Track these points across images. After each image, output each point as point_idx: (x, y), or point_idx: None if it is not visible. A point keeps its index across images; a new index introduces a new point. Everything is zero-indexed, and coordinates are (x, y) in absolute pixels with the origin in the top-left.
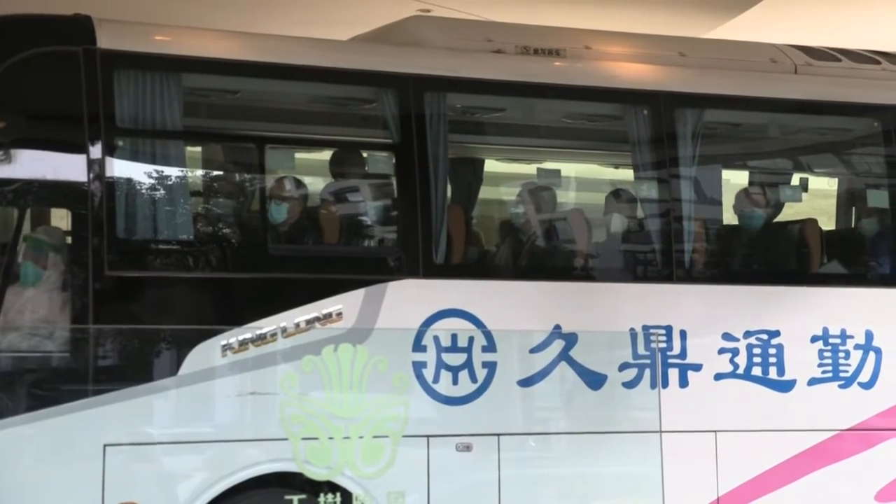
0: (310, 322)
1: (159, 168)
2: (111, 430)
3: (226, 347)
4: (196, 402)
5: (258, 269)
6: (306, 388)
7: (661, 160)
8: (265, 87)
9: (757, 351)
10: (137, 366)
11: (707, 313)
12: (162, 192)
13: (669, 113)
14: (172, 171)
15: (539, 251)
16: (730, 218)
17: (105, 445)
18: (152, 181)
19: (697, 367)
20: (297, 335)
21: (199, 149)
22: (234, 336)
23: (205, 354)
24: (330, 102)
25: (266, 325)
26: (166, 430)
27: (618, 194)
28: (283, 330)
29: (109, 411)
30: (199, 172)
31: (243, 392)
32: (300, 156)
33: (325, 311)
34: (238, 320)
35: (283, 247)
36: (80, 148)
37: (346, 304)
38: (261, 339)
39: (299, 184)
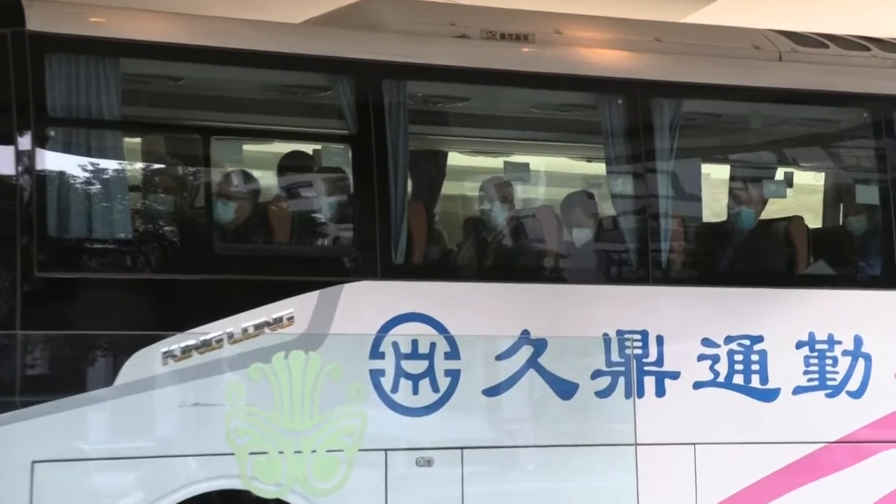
0: (259, 327)
1: (95, 161)
2: (40, 445)
3: (167, 355)
4: (134, 415)
5: (203, 269)
6: (254, 398)
7: (636, 153)
8: (211, 73)
9: (739, 358)
10: (70, 375)
11: (685, 317)
12: (98, 186)
13: (645, 103)
14: (109, 165)
15: (506, 251)
16: (710, 215)
17: (33, 462)
18: (87, 175)
19: (675, 375)
20: (244, 341)
21: (138, 140)
22: (176, 342)
23: (144, 362)
24: (281, 91)
25: (211, 330)
26: (101, 445)
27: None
28: (230, 336)
29: (38, 425)
30: (139, 166)
31: (186, 403)
32: (249, 148)
33: (275, 316)
34: (181, 325)
35: (230, 246)
36: (7, 138)
37: (298, 308)
38: (205, 346)
39: (248, 178)
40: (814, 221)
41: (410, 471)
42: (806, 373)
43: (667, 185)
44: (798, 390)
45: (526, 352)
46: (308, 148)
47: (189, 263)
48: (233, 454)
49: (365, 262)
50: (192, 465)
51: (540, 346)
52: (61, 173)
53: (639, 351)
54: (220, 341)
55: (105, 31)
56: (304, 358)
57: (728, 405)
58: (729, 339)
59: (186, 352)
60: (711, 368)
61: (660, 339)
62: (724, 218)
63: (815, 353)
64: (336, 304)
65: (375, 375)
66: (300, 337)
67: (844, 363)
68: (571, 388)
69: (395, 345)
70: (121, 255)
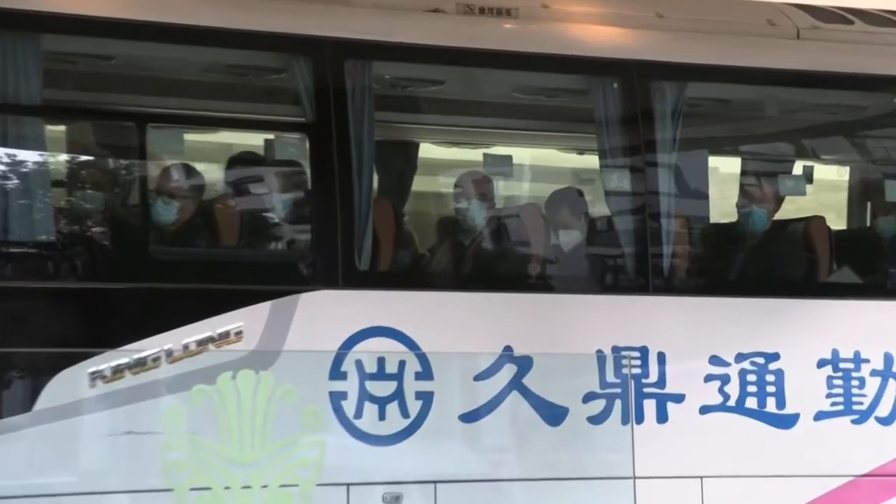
0: (202, 343)
1: (12, 152)
2: None
3: (95, 375)
4: (56, 445)
5: (138, 277)
6: (196, 425)
7: (634, 144)
8: (147, 52)
9: (752, 378)
10: None
11: (691, 332)
12: (15, 181)
13: (644, 87)
14: (29, 156)
15: (485, 256)
16: (718, 215)
17: None
18: (2, 168)
19: (679, 399)
20: (185, 360)
21: (62, 128)
22: (105, 361)
23: (68, 384)
24: (228, 72)
25: (147, 347)
26: (17, 480)
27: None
28: (169, 353)
29: None
30: (63, 158)
31: (116, 431)
32: (191, 138)
33: (220, 330)
34: (112, 341)
35: (170, 250)
36: None
37: (248, 321)
38: (140, 365)
39: (190, 172)
40: (837, 222)
41: None
42: (829, 396)
43: (669, 180)
44: (820, 416)
45: (508, 371)
46: (259, 138)
47: (122, 270)
48: (171, 490)
49: (324, 268)
50: (124, 503)
51: (524, 364)
52: None
53: (637, 370)
54: (157, 360)
55: (23, 3)
56: (255, 379)
57: (740, 433)
58: (740, 357)
59: (118, 372)
60: (720, 391)
61: (661, 357)
62: (734, 218)
63: (840, 374)
64: (291, 316)
65: (336, 398)
66: (250, 354)
67: (873, 385)
68: (561, 413)
69: (359, 363)
70: (42, 260)
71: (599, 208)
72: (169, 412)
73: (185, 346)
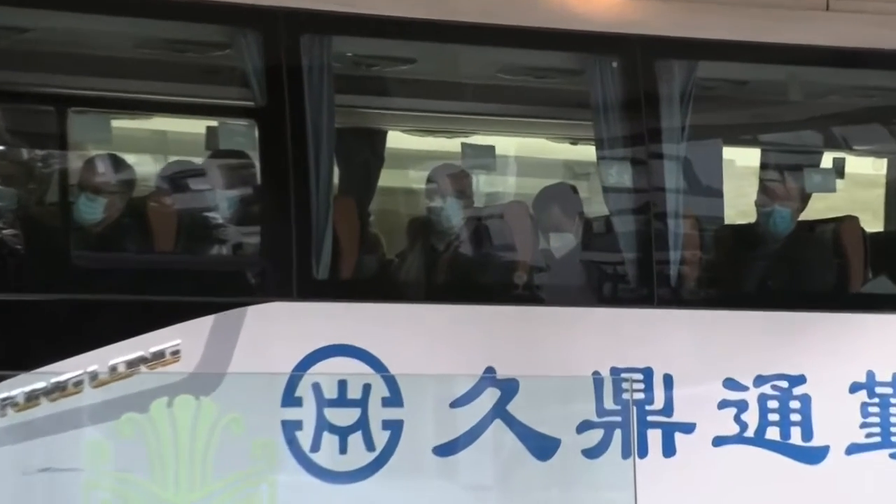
0: (132, 364)
1: None
2: None
3: (6, 402)
4: None
5: (57, 287)
6: (126, 460)
7: (637, 133)
8: (68, 24)
9: (773, 405)
10: None
11: (702, 351)
12: None
13: (648, 66)
14: None
15: (464, 262)
16: (734, 215)
17: None
18: None
19: (689, 429)
20: (112, 384)
21: None
22: (18, 386)
23: None
24: (164, 48)
25: (67, 369)
26: None
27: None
28: (93, 376)
29: None
30: None
31: (31, 468)
32: (120, 124)
33: (154, 349)
34: (25, 362)
35: (95, 256)
36: None
37: (187, 339)
38: (59, 390)
39: (119, 165)
40: (872, 223)
41: None
42: (864, 426)
43: (677, 175)
44: (853, 449)
45: (490, 396)
46: (200, 125)
47: (38, 279)
48: None
49: (276, 276)
50: None
51: (509, 388)
52: None
53: (640, 395)
54: (79, 384)
55: None
56: (195, 406)
57: (759, 468)
58: (760, 381)
59: (32, 398)
60: (737, 419)
61: (668, 380)
62: (752, 219)
63: (876, 400)
64: (237, 333)
65: (290, 429)
66: (189, 377)
67: None
68: (551, 445)
69: (317, 387)
70: None
71: (596, 207)
72: (93, 445)
73: (113, 368)
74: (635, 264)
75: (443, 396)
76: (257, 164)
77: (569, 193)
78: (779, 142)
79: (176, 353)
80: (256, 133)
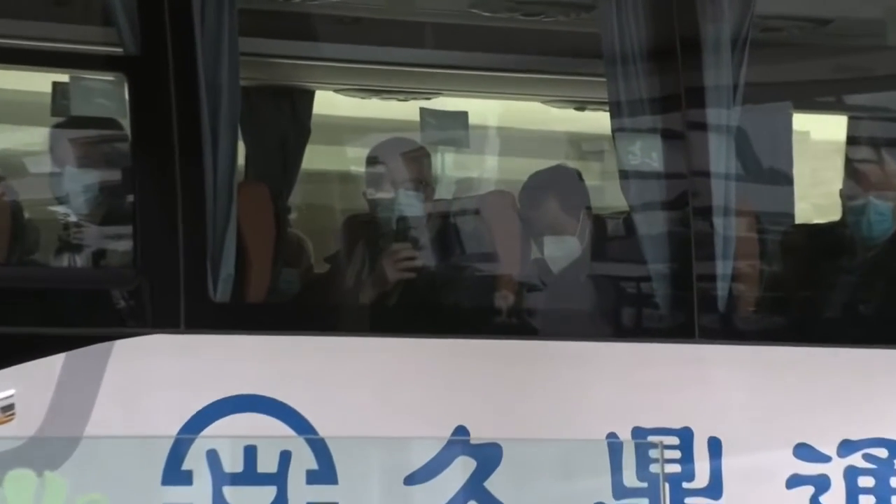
0: None
1: None
2: None
3: None
4: None
5: None
6: None
7: (669, 94)
8: None
9: (866, 482)
10: None
11: (764, 405)
12: None
13: None
14: None
15: (423, 278)
16: (809, 211)
17: None
18: None
19: None
20: None
21: None
22: None
23: None
24: None
25: None
26: None
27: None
28: None
29: None
30: None
31: None
32: None
33: None
34: None
35: None
36: None
37: (24, 387)
38: None
39: None
40: None
41: None
42: None
43: (726, 154)
44: None
45: (462, 468)
46: (44, 81)
47: None
48: None
49: (155, 298)
50: None
51: (488, 456)
52: None
53: (676, 468)
54: None
55: None
56: (36, 483)
57: None
58: (848, 448)
59: None
60: (814, 502)
61: (715, 446)
62: (836, 216)
63: None
64: (99, 378)
65: None
66: (28, 442)
67: None
68: None
69: (213, 456)
70: None
71: (610, 200)
72: None
73: None
74: (668, 281)
75: (394, 468)
76: (127, 137)
77: (571, 180)
78: (874, 106)
79: (8, 408)
80: (126, 92)
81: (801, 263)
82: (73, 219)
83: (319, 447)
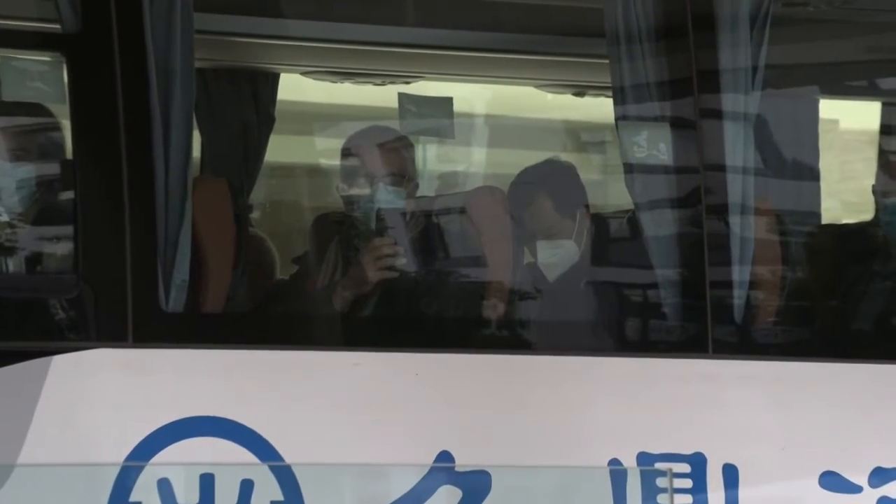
0: None
1: None
2: None
3: None
4: None
5: None
6: None
7: (679, 77)
8: None
9: None
10: None
11: (786, 428)
12: None
13: None
14: None
15: (402, 284)
16: (837, 209)
17: None
18: None
19: None
20: None
21: None
22: None
23: None
24: None
25: None
26: None
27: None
28: None
29: None
30: None
31: None
32: None
33: None
34: None
35: None
36: None
37: None
38: None
39: None
40: None
41: None
42: None
43: (743, 144)
44: None
45: (446, 499)
46: None
47: None
48: None
49: (99, 308)
50: None
51: (475, 485)
52: None
53: (688, 499)
54: None
55: None
56: None
57: None
58: (882, 477)
59: None
60: None
61: (731, 474)
62: (868, 215)
63: None
64: (34, 399)
65: None
66: None
67: None
68: None
69: (164, 485)
70: None
71: (613, 197)
72: None
73: None
74: (677, 288)
75: (370, 499)
76: (65, 124)
77: (567, 175)
78: None
79: None
80: (64, 74)
81: (828, 268)
82: (4, 218)
83: (285, 475)
